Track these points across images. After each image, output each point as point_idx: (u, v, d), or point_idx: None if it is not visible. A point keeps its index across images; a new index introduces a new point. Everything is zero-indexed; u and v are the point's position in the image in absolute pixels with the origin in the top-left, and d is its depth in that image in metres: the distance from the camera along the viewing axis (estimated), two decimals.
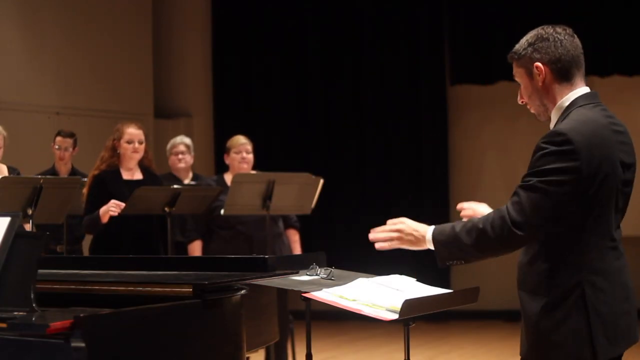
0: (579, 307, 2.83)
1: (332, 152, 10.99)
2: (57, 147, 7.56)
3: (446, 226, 2.96)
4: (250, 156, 6.79)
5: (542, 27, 3.01)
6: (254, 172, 6.84)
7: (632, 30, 10.01)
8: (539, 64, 2.95)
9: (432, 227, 2.99)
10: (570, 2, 10.06)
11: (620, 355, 2.95)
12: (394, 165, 10.85)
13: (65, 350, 2.55)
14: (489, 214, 2.92)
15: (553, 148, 2.81)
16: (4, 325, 2.64)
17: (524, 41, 3.01)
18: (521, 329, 2.98)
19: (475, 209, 3.21)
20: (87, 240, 6.43)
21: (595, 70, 10.15)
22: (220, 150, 10.16)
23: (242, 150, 6.78)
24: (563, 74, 2.95)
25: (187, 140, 7.85)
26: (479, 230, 2.86)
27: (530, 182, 2.82)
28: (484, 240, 2.86)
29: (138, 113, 10.29)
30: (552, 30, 2.99)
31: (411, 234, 3.00)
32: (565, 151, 2.79)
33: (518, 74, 3.03)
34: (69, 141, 7.56)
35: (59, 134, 7.62)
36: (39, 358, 2.59)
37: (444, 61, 10.81)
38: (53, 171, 7.44)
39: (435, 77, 10.83)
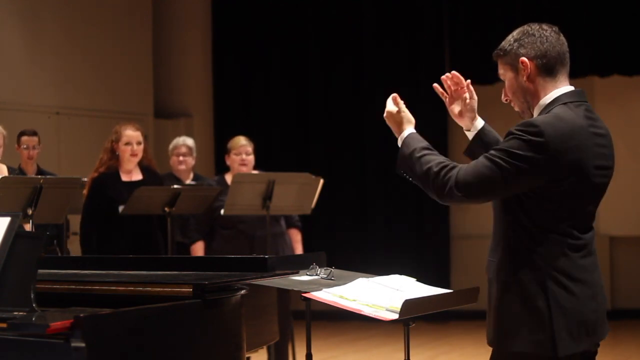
0: (541, 302, 2.83)
1: (332, 152, 10.98)
2: (24, 146, 7.53)
3: (415, 142, 3.17)
4: (250, 157, 6.77)
5: (528, 24, 3.04)
6: (254, 172, 6.84)
7: (632, 30, 10.00)
8: (524, 59, 2.98)
9: (411, 131, 3.22)
10: (570, 3, 10.06)
11: (589, 351, 2.94)
12: (394, 165, 10.81)
13: (65, 350, 2.55)
14: (449, 163, 2.99)
15: (525, 137, 2.82)
16: (4, 325, 2.64)
17: (510, 38, 3.05)
18: (487, 315, 2.98)
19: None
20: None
21: (595, 70, 10.15)
22: (220, 150, 10.16)
23: (242, 152, 6.76)
24: (548, 70, 2.96)
25: (190, 142, 7.81)
26: (429, 168, 3.01)
27: (493, 156, 2.86)
28: (427, 177, 3.01)
29: (138, 113, 10.29)
30: (537, 27, 3.02)
31: (396, 122, 3.29)
32: (535, 142, 2.80)
33: (503, 70, 3.08)
34: (35, 139, 7.55)
35: (23, 133, 7.58)
36: (39, 358, 2.59)
37: (444, 61, 10.80)
38: (20, 172, 7.38)
39: (435, 76, 10.79)
